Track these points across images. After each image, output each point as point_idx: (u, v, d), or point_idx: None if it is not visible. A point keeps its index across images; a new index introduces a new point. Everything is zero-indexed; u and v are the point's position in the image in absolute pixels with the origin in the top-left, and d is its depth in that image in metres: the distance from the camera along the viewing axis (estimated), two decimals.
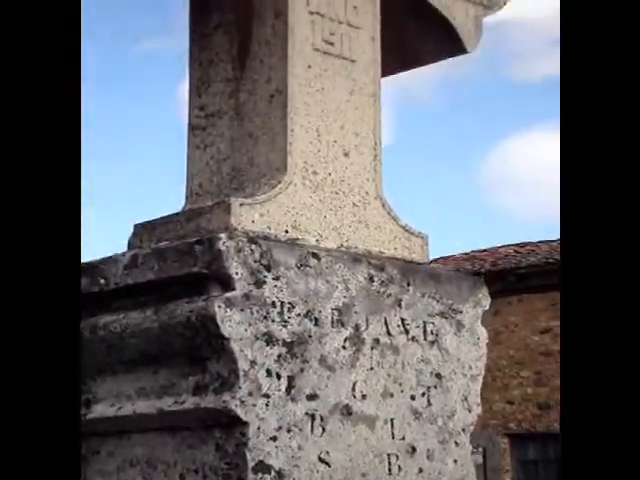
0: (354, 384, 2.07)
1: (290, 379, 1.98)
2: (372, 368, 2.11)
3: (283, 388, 1.97)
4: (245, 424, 1.91)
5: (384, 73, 2.40)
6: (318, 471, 1.98)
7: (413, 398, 2.17)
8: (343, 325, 2.08)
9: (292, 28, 2.22)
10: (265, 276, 1.99)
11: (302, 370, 2.00)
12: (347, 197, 2.26)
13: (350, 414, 2.06)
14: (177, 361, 2.02)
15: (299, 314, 2.02)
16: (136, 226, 2.30)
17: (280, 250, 2.03)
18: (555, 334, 12.12)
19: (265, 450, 1.92)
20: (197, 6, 2.43)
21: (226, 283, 1.96)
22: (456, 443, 2.22)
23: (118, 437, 2.12)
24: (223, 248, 1.95)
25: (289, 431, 1.96)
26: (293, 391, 1.98)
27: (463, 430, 2.24)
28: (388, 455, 2.09)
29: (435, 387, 2.20)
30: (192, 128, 2.39)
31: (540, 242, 14.07)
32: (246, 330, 1.94)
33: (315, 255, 2.07)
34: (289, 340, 1.99)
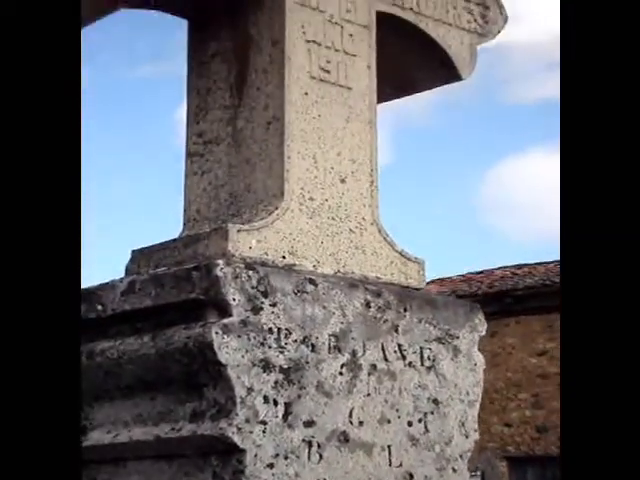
0: (351, 410, 2.07)
1: (287, 405, 1.98)
2: (369, 394, 2.11)
3: (280, 415, 1.97)
4: (242, 451, 1.90)
5: (379, 100, 2.42)
6: None
7: (410, 424, 2.17)
8: (340, 351, 2.08)
9: (289, 56, 2.24)
10: (262, 302, 2.00)
11: (299, 396, 2.00)
12: (344, 223, 2.27)
13: (347, 441, 2.06)
14: (174, 387, 2.02)
15: (296, 340, 2.02)
16: (134, 252, 2.31)
17: (277, 276, 2.04)
18: (552, 356, 12.10)
19: (262, 478, 1.91)
20: (195, 34, 2.46)
21: (223, 309, 1.96)
22: (454, 470, 2.22)
23: (114, 465, 2.11)
24: (220, 274, 1.96)
25: (286, 458, 1.96)
26: (290, 417, 1.98)
27: (461, 456, 2.24)
28: None
29: (432, 413, 2.20)
30: (190, 154, 2.40)
31: (537, 264, 14.09)
32: (243, 356, 1.94)
33: (312, 281, 2.08)
34: (286, 366, 2.00)
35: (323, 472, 2.00)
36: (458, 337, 2.28)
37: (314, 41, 2.28)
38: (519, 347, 12.90)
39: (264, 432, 1.93)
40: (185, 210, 2.39)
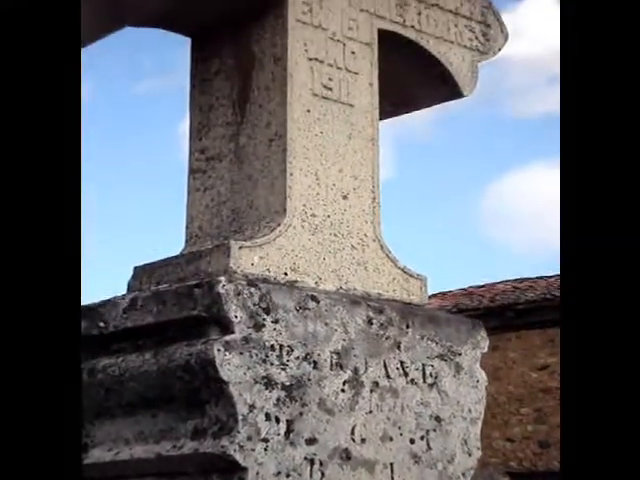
0: (353, 428, 2.07)
1: (289, 423, 1.97)
2: (371, 411, 2.10)
3: (282, 432, 1.96)
4: (244, 469, 1.90)
5: (381, 116, 2.43)
6: None
7: (412, 442, 2.16)
8: (342, 368, 2.08)
9: (291, 74, 2.25)
10: (264, 319, 2.00)
11: (301, 414, 2.00)
12: (346, 239, 2.27)
13: (349, 458, 2.05)
14: (176, 405, 2.02)
15: (298, 357, 2.02)
16: (136, 268, 2.31)
17: (279, 293, 2.04)
18: (552, 371, 12.06)
19: None
20: (198, 52, 2.47)
21: (225, 326, 1.96)
22: None
23: None
24: (222, 291, 1.96)
25: (288, 476, 1.95)
26: (292, 435, 1.97)
27: (463, 474, 2.23)
28: None
29: (434, 430, 2.20)
30: (192, 171, 2.41)
31: (538, 278, 14.07)
32: (245, 374, 1.94)
33: (314, 298, 2.08)
34: (288, 383, 1.99)
35: None
36: (460, 354, 2.28)
37: (316, 59, 2.29)
38: (520, 361, 12.86)
39: (266, 450, 1.93)
40: (187, 226, 2.39)
